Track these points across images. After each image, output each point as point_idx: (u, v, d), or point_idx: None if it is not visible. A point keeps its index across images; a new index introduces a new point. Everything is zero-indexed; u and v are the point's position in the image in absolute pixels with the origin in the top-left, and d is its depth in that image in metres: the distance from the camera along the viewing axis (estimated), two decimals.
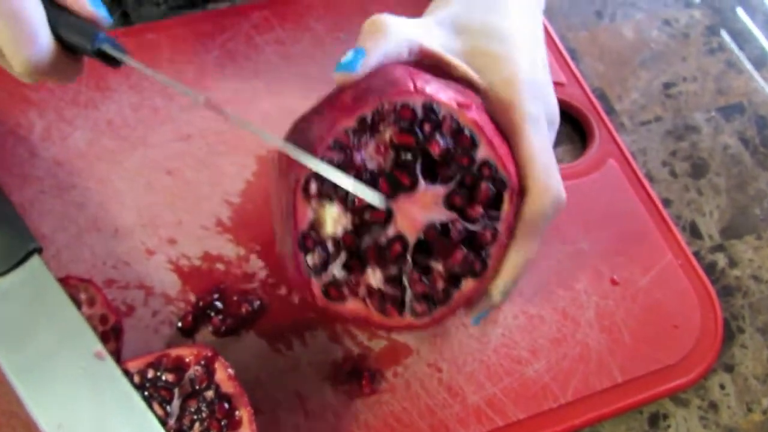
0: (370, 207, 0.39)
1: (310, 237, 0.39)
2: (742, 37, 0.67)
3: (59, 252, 0.50)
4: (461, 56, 0.43)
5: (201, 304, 0.48)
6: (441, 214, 0.40)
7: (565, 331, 0.50)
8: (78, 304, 0.45)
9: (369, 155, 0.39)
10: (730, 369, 0.52)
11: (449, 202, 0.40)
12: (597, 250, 0.53)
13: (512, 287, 0.42)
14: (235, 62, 0.59)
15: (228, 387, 0.42)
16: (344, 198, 0.39)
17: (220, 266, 0.50)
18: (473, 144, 0.39)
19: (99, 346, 0.42)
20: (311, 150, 0.38)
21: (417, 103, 0.39)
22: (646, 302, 0.52)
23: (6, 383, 0.41)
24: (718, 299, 0.52)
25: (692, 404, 0.50)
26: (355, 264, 0.40)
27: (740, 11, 0.69)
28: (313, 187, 0.39)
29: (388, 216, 0.40)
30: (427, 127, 0.39)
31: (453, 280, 0.41)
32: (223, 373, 0.42)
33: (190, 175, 0.53)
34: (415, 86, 0.39)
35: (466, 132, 0.39)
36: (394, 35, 0.40)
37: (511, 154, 0.41)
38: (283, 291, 0.50)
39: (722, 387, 0.51)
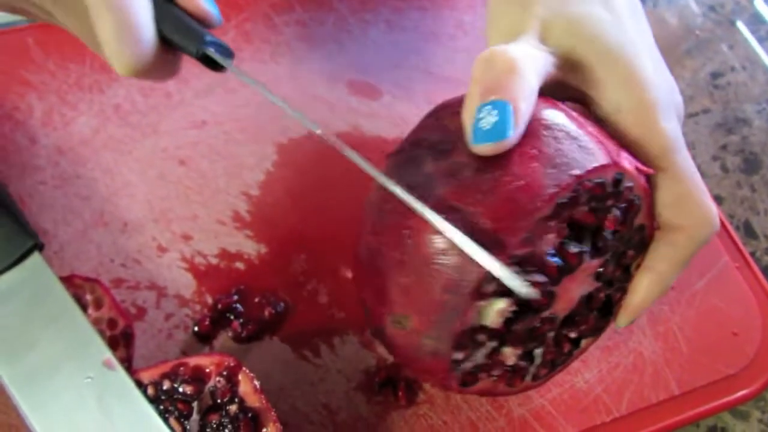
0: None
1: (466, 335, 0.33)
2: None
3: (62, 249, 0.45)
4: (565, 67, 0.35)
5: (219, 306, 0.44)
6: (590, 286, 0.35)
7: (616, 338, 0.46)
8: (83, 306, 0.41)
9: (549, 240, 0.32)
10: None
11: (600, 274, 0.35)
12: None
13: (636, 318, 0.38)
14: (252, 45, 0.54)
15: (253, 401, 0.37)
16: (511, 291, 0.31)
17: (239, 265, 0.46)
18: (637, 212, 0.35)
19: (108, 354, 0.38)
20: (495, 244, 0.30)
21: (609, 177, 0.32)
22: (703, 307, 0.48)
23: (5, 395, 0.37)
24: None
25: (752, 417, 0.46)
26: (498, 349, 0.35)
27: None
28: (490, 288, 0.31)
29: (550, 300, 0.34)
30: (610, 202, 0.33)
31: (577, 341, 0.38)
32: (248, 386, 0.38)
33: (205, 165, 0.49)
34: (610, 155, 0.32)
35: (636, 201, 0.34)
36: (530, 73, 0.31)
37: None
38: (309, 292, 0.45)
39: None
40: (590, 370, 0.45)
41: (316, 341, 0.44)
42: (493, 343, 0.34)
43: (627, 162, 0.33)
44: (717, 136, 0.57)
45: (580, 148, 0.32)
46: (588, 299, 0.36)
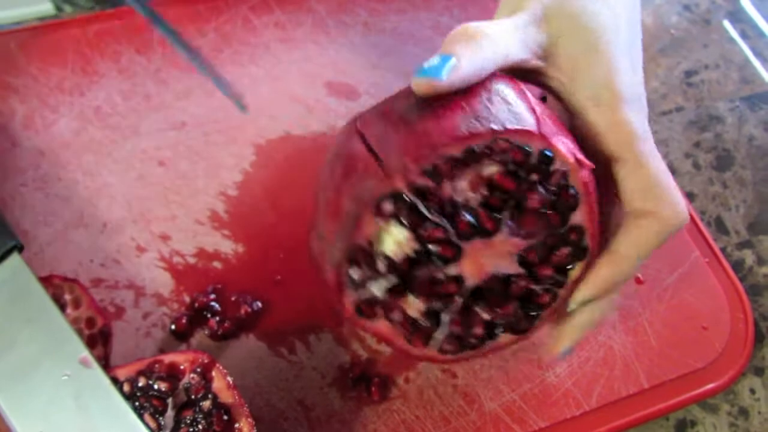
0: (441, 242, 0.34)
1: (364, 252, 0.35)
2: (766, 23, 0.64)
3: (42, 249, 0.46)
4: (546, 50, 0.37)
5: (196, 305, 0.45)
6: (510, 267, 0.36)
7: (587, 333, 0.47)
8: (62, 305, 0.42)
9: (459, 187, 0.34)
10: (760, 372, 0.49)
11: (523, 258, 0.36)
12: None
13: (590, 301, 0.37)
14: (231, 47, 0.55)
15: (227, 396, 0.38)
16: (417, 224, 0.34)
17: (216, 264, 0.47)
18: (573, 206, 0.35)
19: (85, 352, 0.38)
20: (397, 163, 0.33)
21: (534, 148, 0.34)
22: (673, 302, 0.48)
23: None
24: (747, 299, 0.49)
25: (721, 410, 0.47)
26: (398, 288, 0.36)
27: None
28: (389, 207, 0.33)
29: (455, 256, 0.35)
30: (534, 176, 0.34)
31: (492, 330, 0.38)
32: (221, 381, 0.38)
33: (184, 166, 0.50)
34: (539, 127, 0.33)
35: (572, 192, 0.35)
36: (490, 45, 0.34)
37: (599, 220, 0.36)
38: (285, 290, 0.46)
39: (752, 392, 0.48)
40: (561, 365, 0.46)
41: (292, 339, 0.45)
42: (393, 279, 0.35)
43: (563, 146, 0.34)
44: (690, 134, 0.58)
45: (510, 111, 0.33)
46: (506, 282, 0.36)
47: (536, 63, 0.37)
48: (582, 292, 0.37)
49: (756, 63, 0.62)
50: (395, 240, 0.34)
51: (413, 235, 0.34)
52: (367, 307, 0.36)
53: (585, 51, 0.36)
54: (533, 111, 0.34)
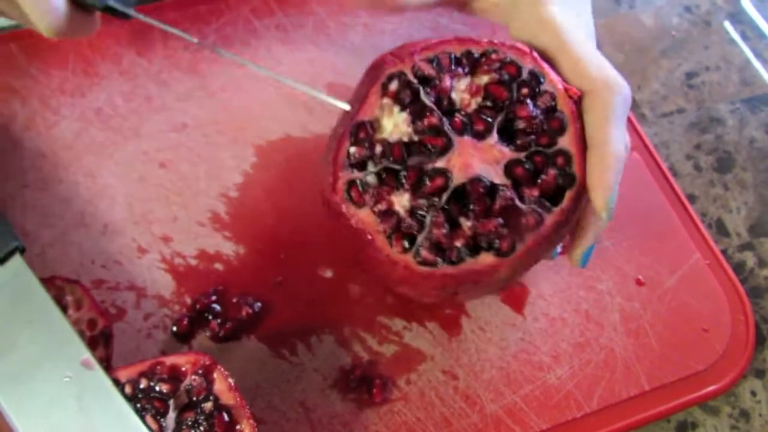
0: (435, 130, 0.38)
1: (365, 129, 0.38)
2: (766, 24, 0.64)
3: (44, 251, 0.46)
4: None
5: (197, 306, 0.45)
6: (496, 176, 0.38)
7: (588, 335, 0.47)
8: (64, 307, 0.42)
9: (458, 87, 0.39)
10: (761, 375, 0.49)
11: (510, 169, 0.38)
12: (621, 249, 0.50)
13: (614, 198, 0.39)
14: (232, 48, 0.55)
15: (228, 398, 0.38)
16: (417, 111, 0.38)
17: (217, 265, 0.47)
18: (560, 129, 0.38)
19: (86, 354, 0.39)
20: (406, 52, 0.39)
21: (526, 66, 0.39)
22: (674, 304, 0.49)
23: None
24: (748, 301, 0.49)
25: (722, 412, 0.47)
26: (390, 179, 0.38)
27: None
28: (394, 86, 0.38)
29: (446, 147, 0.38)
30: (524, 90, 0.39)
31: (474, 247, 0.38)
32: (222, 383, 0.38)
33: (185, 168, 0.50)
34: (531, 52, 0.39)
35: (559, 115, 0.38)
36: None
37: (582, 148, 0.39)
38: (286, 292, 0.46)
39: (753, 394, 0.48)
40: (562, 367, 0.46)
41: (293, 340, 0.45)
42: (385, 162, 0.38)
43: (552, 73, 0.39)
44: (691, 136, 0.58)
45: (508, 41, 0.40)
46: (492, 193, 0.38)
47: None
48: (602, 191, 0.38)
49: (756, 65, 0.62)
50: (394, 123, 0.38)
51: (410, 119, 0.38)
52: (357, 191, 0.38)
53: None
54: (529, 47, 0.40)
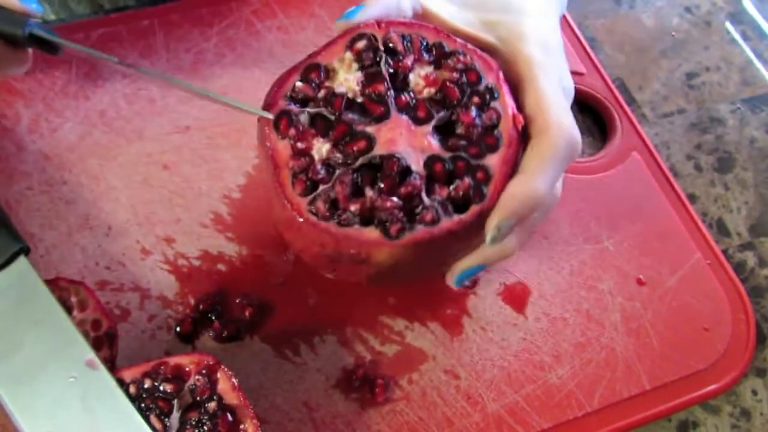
0: (377, 99, 0.39)
1: (318, 72, 0.40)
2: (766, 24, 0.64)
3: (48, 252, 0.46)
4: (471, 27, 0.43)
5: (201, 307, 0.45)
6: (415, 163, 0.39)
7: (589, 334, 0.47)
8: (68, 308, 0.42)
9: (418, 72, 0.40)
10: (762, 374, 0.49)
11: (431, 163, 0.39)
12: (622, 249, 0.50)
13: (508, 227, 0.38)
14: (234, 50, 0.55)
15: (232, 398, 0.38)
16: (371, 75, 0.39)
17: (220, 266, 0.47)
18: (493, 147, 0.39)
19: (91, 354, 0.39)
20: (384, 22, 0.40)
21: (487, 79, 0.40)
22: (675, 304, 0.49)
23: None
24: (749, 300, 0.49)
25: (723, 411, 0.48)
26: (319, 125, 0.39)
27: None
28: (360, 44, 0.40)
29: (381, 117, 0.39)
30: (475, 99, 0.39)
31: (365, 218, 0.38)
32: (226, 383, 0.39)
33: (188, 169, 0.50)
34: (498, 70, 0.40)
35: (497, 134, 0.39)
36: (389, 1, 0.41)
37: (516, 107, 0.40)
38: (288, 292, 0.46)
39: (754, 393, 0.48)
40: (563, 366, 0.46)
41: (296, 341, 0.45)
42: (323, 109, 0.39)
43: (509, 96, 0.40)
44: (691, 136, 0.58)
45: (478, 49, 0.41)
46: (404, 173, 0.38)
47: (454, 24, 0.42)
48: (497, 216, 0.38)
49: (757, 65, 0.62)
50: (346, 77, 0.40)
51: (363, 80, 0.39)
52: (285, 124, 0.39)
53: (502, 23, 0.42)
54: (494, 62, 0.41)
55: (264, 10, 0.57)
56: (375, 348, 0.45)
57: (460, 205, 0.38)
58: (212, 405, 0.38)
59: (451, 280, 0.41)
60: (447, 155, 0.39)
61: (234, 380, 0.39)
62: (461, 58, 0.40)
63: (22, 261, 0.41)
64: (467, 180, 0.38)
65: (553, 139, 0.38)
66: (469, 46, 0.40)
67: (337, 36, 0.40)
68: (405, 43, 0.40)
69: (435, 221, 0.38)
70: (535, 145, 0.39)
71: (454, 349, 0.46)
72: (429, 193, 0.38)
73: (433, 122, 0.39)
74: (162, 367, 0.39)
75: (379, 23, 0.40)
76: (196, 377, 0.39)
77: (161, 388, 0.38)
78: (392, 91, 0.39)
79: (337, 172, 0.38)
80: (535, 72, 0.40)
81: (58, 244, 0.47)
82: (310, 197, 0.38)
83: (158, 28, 0.55)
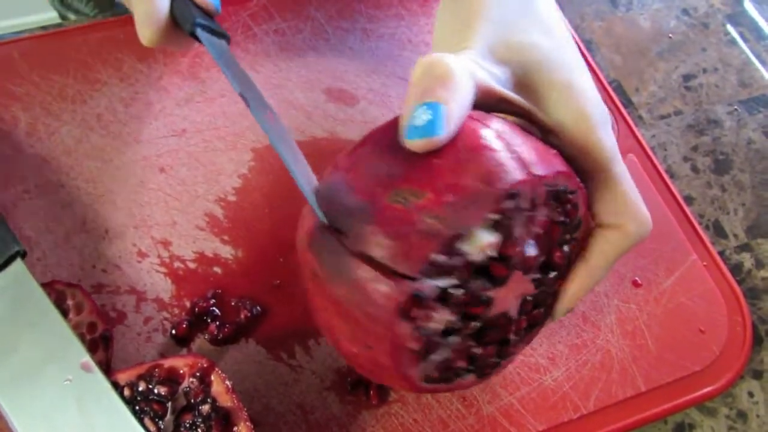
0: (504, 261, 0.33)
1: (455, 241, 0.32)
2: (764, 26, 0.64)
3: (45, 255, 0.46)
4: (512, 88, 0.37)
5: (196, 310, 0.45)
6: (514, 309, 0.36)
7: (585, 336, 0.47)
8: (64, 311, 0.42)
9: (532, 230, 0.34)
10: (758, 376, 0.49)
11: (524, 304, 0.36)
12: None
13: (574, 307, 0.39)
14: (233, 53, 0.55)
15: (226, 400, 0.39)
16: (506, 237, 0.33)
17: (216, 269, 0.47)
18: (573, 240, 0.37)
19: (86, 357, 0.39)
20: (535, 164, 0.33)
21: (580, 213, 0.37)
22: (670, 305, 0.49)
23: None
24: (745, 302, 0.49)
25: (720, 413, 0.47)
26: (451, 290, 0.33)
27: None
28: (511, 204, 0.32)
29: (504, 279, 0.34)
30: (567, 236, 0.37)
31: (468, 369, 0.37)
32: (220, 386, 0.39)
33: (184, 172, 0.50)
34: (585, 198, 0.37)
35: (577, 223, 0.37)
36: (464, 81, 0.32)
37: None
38: (284, 295, 0.47)
39: (751, 395, 0.48)
40: (558, 368, 0.46)
41: (291, 343, 0.45)
42: (452, 281, 0.32)
43: (581, 193, 0.36)
44: (688, 137, 0.58)
45: (532, 149, 0.33)
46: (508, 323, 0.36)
47: (512, 97, 0.36)
48: (563, 304, 0.38)
49: (754, 67, 0.62)
50: (481, 242, 0.32)
51: (497, 244, 0.32)
52: (416, 307, 0.32)
53: (543, 82, 0.37)
54: (542, 146, 0.35)
55: (261, 13, 0.58)
56: None
57: (536, 324, 0.38)
58: (206, 407, 0.38)
59: (560, 316, 0.39)
60: (536, 292, 0.36)
61: (228, 383, 0.39)
62: (572, 197, 0.35)
63: (18, 264, 0.41)
64: (541, 310, 0.38)
65: (630, 236, 0.38)
66: (578, 179, 0.35)
67: (485, 194, 0.31)
68: (549, 200, 0.34)
69: (519, 346, 0.38)
70: (605, 241, 0.38)
71: None
72: (517, 331, 0.37)
73: (538, 267, 0.35)
74: (156, 370, 0.39)
75: (530, 174, 0.32)
76: (190, 380, 0.39)
77: (155, 390, 0.39)
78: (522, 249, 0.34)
79: (452, 338, 0.34)
80: (615, 169, 0.37)
81: (54, 247, 0.47)
82: (422, 366, 0.34)
83: None
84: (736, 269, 0.52)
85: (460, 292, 0.32)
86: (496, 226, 0.32)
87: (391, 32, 0.58)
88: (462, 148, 0.31)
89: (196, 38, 0.42)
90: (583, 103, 0.37)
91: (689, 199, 0.55)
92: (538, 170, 0.32)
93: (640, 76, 0.60)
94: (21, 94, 0.52)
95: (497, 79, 0.36)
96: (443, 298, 0.32)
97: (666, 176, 0.54)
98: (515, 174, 0.31)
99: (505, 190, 0.31)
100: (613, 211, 0.38)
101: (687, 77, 0.61)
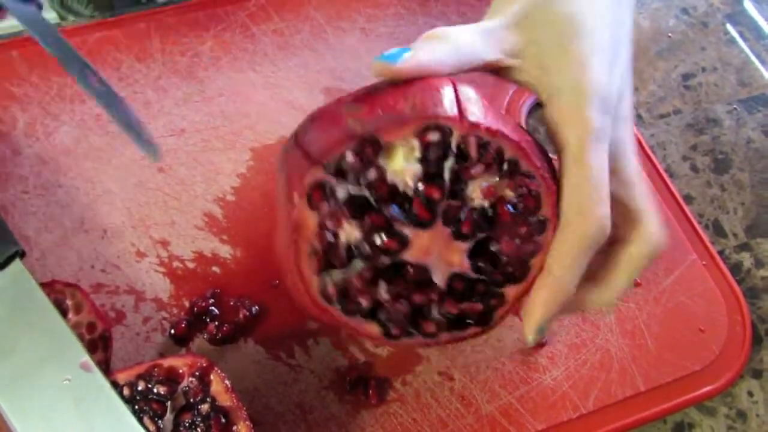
0: (427, 203, 0.34)
1: (376, 147, 0.34)
2: (763, 25, 0.64)
3: (44, 255, 0.46)
4: (524, 50, 0.37)
5: (195, 309, 0.45)
6: (440, 278, 0.36)
7: (584, 336, 0.47)
8: (63, 310, 0.42)
9: (479, 181, 0.35)
10: (758, 375, 0.49)
11: (452, 280, 0.36)
12: None
13: (546, 328, 0.36)
14: (230, 53, 0.56)
15: (225, 400, 0.38)
16: (430, 174, 0.34)
17: (215, 269, 0.47)
18: (514, 279, 0.36)
19: (85, 357, 0.39)
20: (470, 109, 0.34)
21: (543, 210, 0.35)
22: (670, 305, 0.49)
23: None
24: (745, 301, 0.49)
25: (719, 413, 0.47)
26: (355, 208, 0.34)
27: None
28: (434, 136, 0.34)
29: (426, 224, 0.35)
30: (523, 229, 0.35)
31: (370, 312, 0.36)
32: (219, 385, 0.39)
33: (182, 172, 0.50)
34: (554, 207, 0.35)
35: (524, 268, 0.36)
36: (451, 43, 0.35)
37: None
38: (282, 295, 0.47)
39: (750, 394, 0.48)
40: (558, 368, 0.46)
41: (290, 343, 0.45)
42: (367, 192, 0.34)
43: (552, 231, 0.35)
44: (687, 137, 0.58)
45: (484, 107, 0.35)
46: (424, 283, 0.36)
47: (509, 62, 0.37)
48: (529, 320, 0.36)
49: (754, 66, 0.62)
50: (403, 166, 0.34)
51: (419, 176, 0.34)
52: (319, 195, 0.34)
53: (556, 50, 0.36)
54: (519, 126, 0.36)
55: (259, 13, 0.57)
56: (369, 350, 0.45)
57: (462, 321, 0.37)
58: (205, 407, 0.38)
59: (530, 338, 0.37)
60: (472, 276, 0.36)
61: (227, 382, 0.39)
62: (529, 182, 0.34)
63: (17, 264, 0.41)
64: (479, 305, 0.36)
65: (583, 236, 0.34)
66: (546, 173, 0.35)
67: (411, 117, 0.33)
68: (480, 150, 0.34)
69: (434, 335, 0.37)
70: (560, 241, 0.35)
71: (448, 350, 0.46)
72: (439, 306, 0.36)
73: (473, 242, 0.35)
74: (155, 370, 0.39)
75: (462, 117, 0.34)
76: (190, 379, 0.39)
77: (155, 390, 0.39)
78: (446, 200, 0.34)
79: (358, 263, 0.35)
80: (584, 144, 0.34)
81: (53, 247, 0.47)
82: (322, 278, 0.35)
83: (154, 31, 0.56)
84: (735, 268, 0.52)
85: (372, 209, 0.34)
86: (420, 159, 0.34)
87: (390, 32, 0.58)
88: (416, 87, 0.35)
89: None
90: (580, 72, 0.35)
91: (689, 199, 0.55)
92: (472, 118, 0.34)
93: (639, 76, 0.60)
94: (20, 95, 0.52)
95: (511, 46, 0.37)
96: (355, 211, 0.34)
97: (665, 175, 0.54)
98: (445, 110, 0.34)
99: (428, 117, 0.33)
100: (567, 203, 0.34)
101: (686, 76, 0.61)
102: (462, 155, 0.34)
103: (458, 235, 0.35)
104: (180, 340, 0.45)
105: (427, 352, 0.46)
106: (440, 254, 0.35)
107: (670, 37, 0.63)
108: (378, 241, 0.34)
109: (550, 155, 0.37)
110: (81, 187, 0.49)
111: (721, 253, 0.53)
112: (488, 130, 0.34)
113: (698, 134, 0.58)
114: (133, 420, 0.38)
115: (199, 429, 0.38)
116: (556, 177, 0.36)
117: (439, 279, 0.36)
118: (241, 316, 0.45)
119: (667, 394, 0.46)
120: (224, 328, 0.45)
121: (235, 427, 0.38)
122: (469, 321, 0.37)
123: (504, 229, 0.35)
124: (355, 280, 0.35)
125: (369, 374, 0.44)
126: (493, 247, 0.36)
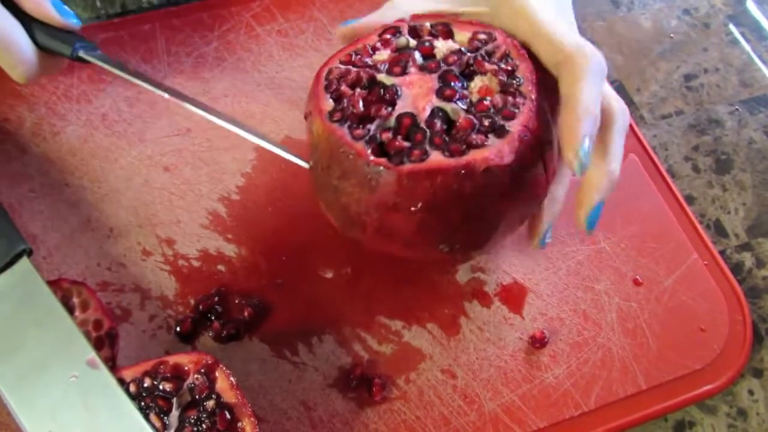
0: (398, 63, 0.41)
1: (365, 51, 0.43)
2: (765, 26, 0.65)
3: (51, 253, 0.47)
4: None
5: (200, 307, 0.46)
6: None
7: (586, 334, 0.47)
8: (70, 308, 0.43)
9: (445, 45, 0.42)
10: (759, 374, 0.49)
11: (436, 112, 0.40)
12: (618, 250, 0.51)
13: (583, 153, 0.38)
14: (234, 54, 0.56)
15: (230, 396, 0.39)
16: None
17: (220, 267, 0.47)
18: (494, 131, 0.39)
19: (92, 354, 0.39)
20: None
21: (520, 73, 0.41)
22: (671, 304, 0.49)
23: None
24: (746, 301, 0.49)
25: (720, 411, 0.48)
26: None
27: None
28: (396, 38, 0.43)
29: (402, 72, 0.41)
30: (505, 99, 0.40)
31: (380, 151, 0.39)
32: (224, 382, 0.39)
33: (188, 171, 0.51)
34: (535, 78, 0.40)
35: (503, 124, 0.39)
36: (385, 11, 0.45)
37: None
38: (287, 293, 0.47)
39: (751, 393, 0.48)
40: (559, 366, 0.46)
41: (294, 340, 0.46)
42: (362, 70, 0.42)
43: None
44: (689, 137, 0.58)
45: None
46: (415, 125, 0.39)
47: (454, 9, 0.44)
48: (565, 149, 0.38)
49: (756, 66, 0.62)
50: (379, 54, 0.42)
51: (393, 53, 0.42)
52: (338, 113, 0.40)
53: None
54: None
55: (264, 14, 0.58)
56: (372, 347, 0.46)
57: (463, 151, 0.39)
58: (211, 403, 0.39)
59: (583, 224, 0.41)
60: (462, 108, 0.40)
61: (232, 379, 0.39)
62: (481, 36, 0.42)
63: (24, 262, 0.41)
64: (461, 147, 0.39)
65: (577, 62, 0.39)
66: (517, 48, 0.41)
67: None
68: (432, 27, 0.43)
69: (420, 156, 0.38)
70: (564, 74, 0.39)
71: (451, 348, 0.46)
72: (431, 142, 0.38)
73: (456, 68, 0.41)
74: (162, 366, 0.40)
75: (401, 20, 0.43)
76: (195, 376, 0.39)
77: (161, 386, 0.39)
78: (417, 54, 0.41)
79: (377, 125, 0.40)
80: (535, 19, 0.40)
81: (60, 245, 0.47)
82: (329, 99, 0.41)
83: (159, 32, 0.56)
84: (736, 268, 0.53)
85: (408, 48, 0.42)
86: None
87: None
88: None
89: (81, 60, 0.44)
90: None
91: (690, 199, 0.55)
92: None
93: (641, 76, 0.61)
94: (26, 95, 0.52)
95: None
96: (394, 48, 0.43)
97: (667, 176, 0.54)
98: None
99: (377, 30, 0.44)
100: (553, 52, 0.40)
101: (688, 77, 0.61)
102: (418, 35, 0.43)
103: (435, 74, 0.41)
104: (185, 338, 0.45)
105: (429, 350, 0.46)
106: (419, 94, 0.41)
107: (672, 37, 0.63)
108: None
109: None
110: (87, 186, 0.50)
111: (722, 253, 0.53)
112: (429, 16, 0.44)
113: (700, 135, 0.58)
114: (139, 416, 0.38)
115: (204, 425, 0.38)
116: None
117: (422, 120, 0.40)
118: (245, 314, 0.46)
119: (668, 392, 0.46)
120: (229, 326, 0.45)
121: (239, 424, 0.38)
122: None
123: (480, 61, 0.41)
124: (351, 102, 0.40)
125: (372, 372, 0.45)
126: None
